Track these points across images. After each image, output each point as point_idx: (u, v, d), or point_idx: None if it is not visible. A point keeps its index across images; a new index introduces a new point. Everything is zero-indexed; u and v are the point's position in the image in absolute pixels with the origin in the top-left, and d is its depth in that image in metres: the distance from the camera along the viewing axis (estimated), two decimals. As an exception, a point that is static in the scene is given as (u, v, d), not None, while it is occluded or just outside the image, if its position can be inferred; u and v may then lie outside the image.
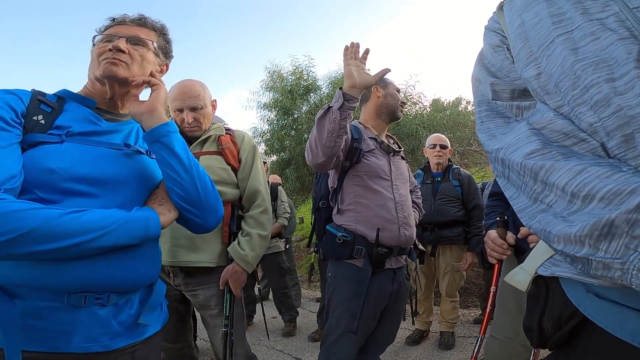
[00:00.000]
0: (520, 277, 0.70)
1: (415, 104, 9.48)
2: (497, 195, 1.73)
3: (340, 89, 1.50)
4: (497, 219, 1.53)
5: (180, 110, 1.67)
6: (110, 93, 0.99)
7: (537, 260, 0.68)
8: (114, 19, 1.02)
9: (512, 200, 0.60)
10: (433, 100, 10.50)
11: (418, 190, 2.21)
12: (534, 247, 0.66)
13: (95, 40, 1.00)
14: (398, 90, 1.93)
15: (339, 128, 1.47)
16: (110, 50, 0.94)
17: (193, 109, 1.67)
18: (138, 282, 0.93)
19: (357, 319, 1.60)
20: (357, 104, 1.51)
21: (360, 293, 1.63)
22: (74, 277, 0.82)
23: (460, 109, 10.71)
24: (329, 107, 1.49)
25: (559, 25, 0.55)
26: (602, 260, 0.45)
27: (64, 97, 0.97)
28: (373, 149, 1.78)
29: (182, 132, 1.68)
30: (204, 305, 1.65)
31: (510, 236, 1.46)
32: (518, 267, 0.73)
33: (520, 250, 1.43)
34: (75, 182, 0.86)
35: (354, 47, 1.53)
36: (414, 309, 2.01)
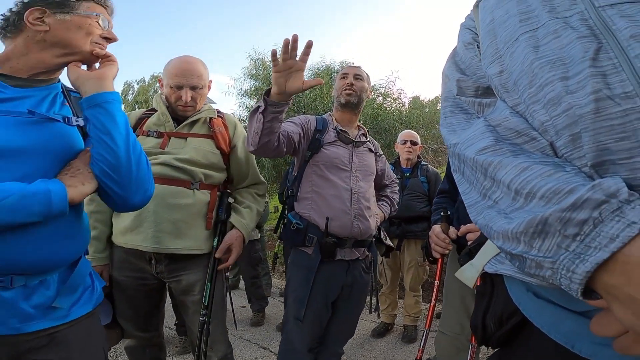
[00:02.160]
0: (468, 273, 0.71)
1: (395, 100, 9.56)
2: (445, 192, 1.77)
3: (267, 92, 1.41)
4: (441, 214, 1.57)
5: (179, 87, 1.57)
6: (62, 65, 0.98)
7: (485, 257, 0.68)
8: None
9: (464, 195, 0.60)
10: (413, 97, 10.64)
11: (395, 185, 2.22)
12: (471, 244, 0.67)
13: (85, 11, 0.96)
14: (344, 76, 1.87)
15: (262, 128, 1.42)
16: (103, 38, 1.00)
17: (193, 88, 1.59)
18: (45, 263, 0.87)
19: (305, 307, 1.60)
20: (285, 107, 1.42)
21: (309, 280, 1.63)
22: None
23: (438, 108, 10.87)
24: (258, 107, 1.43)
25: (525, 23, 0.55)
26: (534, 258, 0.45)
27: None
28: (334, 140, 1.78)
29: (172, 111, 1.62)
30: (187, 291, 1.59)
31: (452, 231, 1.50)
32: (468, 263, 0.74)
33: (462, 247, 1.47)
34: None
35: (287, 46, 1.29)
36: (375, 302, 2.03)
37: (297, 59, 1.33)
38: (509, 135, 0.54)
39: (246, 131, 1.58)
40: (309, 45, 1.32)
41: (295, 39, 1.28)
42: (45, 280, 0.89)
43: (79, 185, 0.87)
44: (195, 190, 1.57)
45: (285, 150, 1.63)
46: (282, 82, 1.35)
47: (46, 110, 0.94)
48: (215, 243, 1.61)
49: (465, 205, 0.59)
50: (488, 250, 0.69)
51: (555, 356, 0.55)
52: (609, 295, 0.40)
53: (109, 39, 1.01)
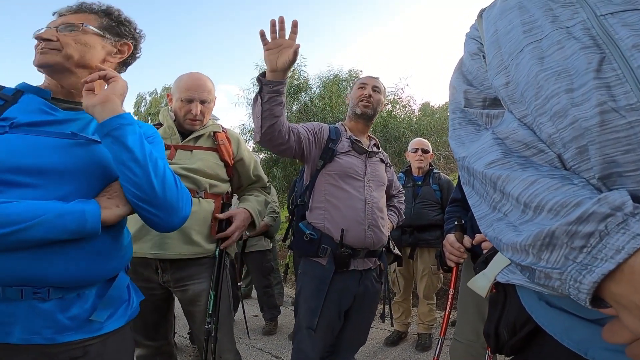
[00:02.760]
0: (481, 283, 0.72)
1: (404, 107, 9.55)
2: (457, 201, 1.76)
3: (263, 75, 1.48)
4: (455, 223, 1.56)
5: (190, 101, 1.66)
6: (57, 82, 0.99)
7: (497, 267, 0.69)
8: (54, 13, 1.03)
9: (474, 207, 0.60)
10: (423, 104, 10.60)
11: (402, 195, 2.21)
12: (487, 252, 0.68)
13: (34, 34, 0.99)
14: (363, 86, 1.89)
15: (262, 110, 1.47)
16: (39, 41, 0.96)
17: (202, 102, 1.68)
18: (81, 279, 0.89)
19: (318, 316, 1.61)
20: (281, 87, 1.46)
21: (322, 290, 1.64)
22: (5, 271, 0.79)
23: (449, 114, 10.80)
24: (256, 92, 1.52)
25: (529, 34, 0.56)
26: (543, 269, 0.45)
27: (22, 89, 0.96)
28: (348, 150, 1.79)
29: (179, 124, 1.69)
30: (193, 301, 1.62)
31: (467, 240, 1.50)
32: (481, 272, 0.75)
33: (476, 255, 1.46)
34: (12, 173, 0.83)
35: (274, 25, 1.42)
36: (388, 311, 2.02)
37: (287, 37, 1.43)
38: (517, 147, 0.55)
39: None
40: (294, 24, 1.43)
41: (281, 20, 1.41)
42: (83, 293, 0.92)
43: (113, 207, 0.91)
44: (200, 198, 1.62)
45: (295, 148, 1.66)
46: (273, 59, 1.43)
47: (92, 133, 0.98)
48: (217, 253, 1.64)
49: (475, 217, 0.60)
50: (500, 260, 0.70)
51: None
52: (616, 303, 0.41)
53: (41, 39, 0.96)
